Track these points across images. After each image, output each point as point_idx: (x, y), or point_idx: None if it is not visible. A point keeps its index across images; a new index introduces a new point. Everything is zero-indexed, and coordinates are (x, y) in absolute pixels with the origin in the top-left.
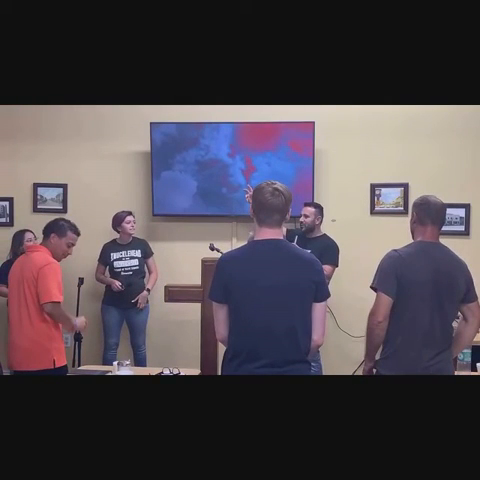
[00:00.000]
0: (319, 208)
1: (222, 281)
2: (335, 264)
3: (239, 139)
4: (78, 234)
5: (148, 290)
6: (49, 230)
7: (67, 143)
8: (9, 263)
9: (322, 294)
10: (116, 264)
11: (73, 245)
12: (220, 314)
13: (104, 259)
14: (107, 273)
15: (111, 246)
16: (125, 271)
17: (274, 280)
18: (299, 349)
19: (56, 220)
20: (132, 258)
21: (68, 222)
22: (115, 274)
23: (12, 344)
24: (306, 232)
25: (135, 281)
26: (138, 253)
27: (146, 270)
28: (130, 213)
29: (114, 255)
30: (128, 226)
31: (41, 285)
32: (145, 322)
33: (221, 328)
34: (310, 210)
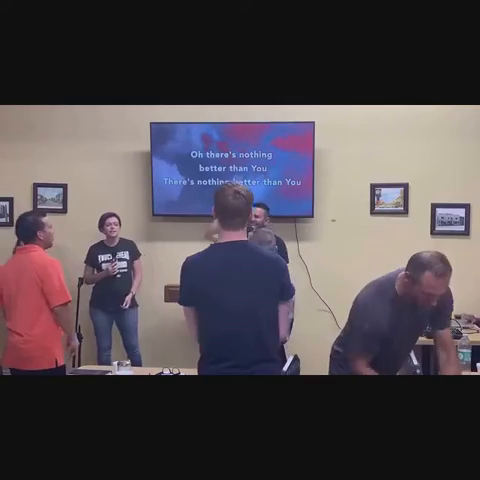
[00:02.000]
0: (267, 209)
1: (188, 285)
2: (286, 260)
3: (239, 139)
4: (45, 213)
5: (132, 293)
6: (31, 232)
7: (67, 143)
8: None
9: (287, 294)
10: (104, 266)
11: (51, 225)
12: (191, 316)
13: (92, 261)
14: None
15: (98, 248)
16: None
17: (239, 283)
18: (266, 349)
19: (24, 220)
20: (120, 260)
21: (31, 214)
22: (103, 282)
23: (14, 345)
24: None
25: (123, 285)
26: (126, 255)
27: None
28: (113, 215)
29: (102, 257)
30: (108, 228)
31: (50, 285)
32: (136, 323)
33: (194, 330)
34: (261, 211)
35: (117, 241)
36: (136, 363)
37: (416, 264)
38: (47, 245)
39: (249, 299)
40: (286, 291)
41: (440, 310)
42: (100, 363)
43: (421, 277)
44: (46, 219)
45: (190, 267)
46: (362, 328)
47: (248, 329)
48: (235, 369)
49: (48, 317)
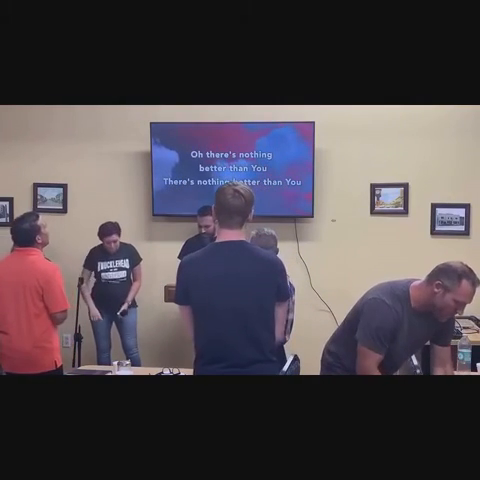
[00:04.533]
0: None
1: (184, 285)
2: None
3: (240, 139)
4: (38, 215)
5: (128, 302)
6: (30, 238)
7: (67, 143)
8: None
9: (283, 295)
10: (103, 275)
11: (46, 224)
12: (187, 316)
13: (91, 265)
14: (92, 279)
15: (99, 253)
16: (112, 281)
17: (235, 283)
18: (261, 350)
19: (20, 228)
20: (120, 269)
21: (26, 220)
22: (102, 285)
23: (11, 349)
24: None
25: (122, 292)
26: (126, 263)
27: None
28: (112, 232)
29: (101, 265)
30: (107, 246)
31: (52, 293)
32: (134, 324)
33: (191, 329)
34: (210, 219)
35: (117, 247)
36: (135, 365)
37: (450, 273)
38: (45, 245)
39: (244, 299)
40: (282, 292)
41: (445, 327)
42: (99, 364)
43: (457, 285)
44: (41, 221)
45: (186, 266)
46: (374, 321)
47: (242, 329)
48: (230, 369)
49: (46, 318)
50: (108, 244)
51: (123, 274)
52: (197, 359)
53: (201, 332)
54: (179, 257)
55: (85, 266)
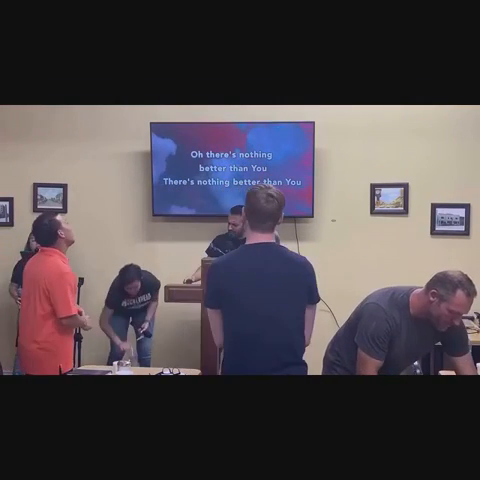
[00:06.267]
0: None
1: (214, 287)
2: None
3: (239, 139)
4: (57, 213)
5: (148, 321)
6: (52, 233)
7: (67, 143)
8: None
9: (313, 297)
10: (126, 306)
11: (67, 221)
12: (217, 320)
13: (113, 304)
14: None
15: (121, 294)
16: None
17: (266, 285)
18: (294, 352)
19: (41, 225)
20: (142, 302)
21: (44, 217)
22: (122, 310)
23: (20, 347)
24: (239, 236)
25: (142, 317)
26: (148, 297)
27: None
28: (134, 279)
29: (125, 303)
30: (128, 291)
31: (55, 298)
32: (151, 328)
33: (220, 334)
34: (239, 218)
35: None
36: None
37: (446, 282)
38: (69, 242)
39: (276, 301)
40: (313, 294)
41: (454, 335)
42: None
43: (452, 295)
44: (59, 217)
45: (217, 269)
46: (369, 326)
47: (276, 331)
48: (264, 372)
49: (54, 322)
50: (129, 290)
51: (145, 305)
52: (226, 362)
53: (232, 334)
54: (206, 252)
55: (107, 305)
